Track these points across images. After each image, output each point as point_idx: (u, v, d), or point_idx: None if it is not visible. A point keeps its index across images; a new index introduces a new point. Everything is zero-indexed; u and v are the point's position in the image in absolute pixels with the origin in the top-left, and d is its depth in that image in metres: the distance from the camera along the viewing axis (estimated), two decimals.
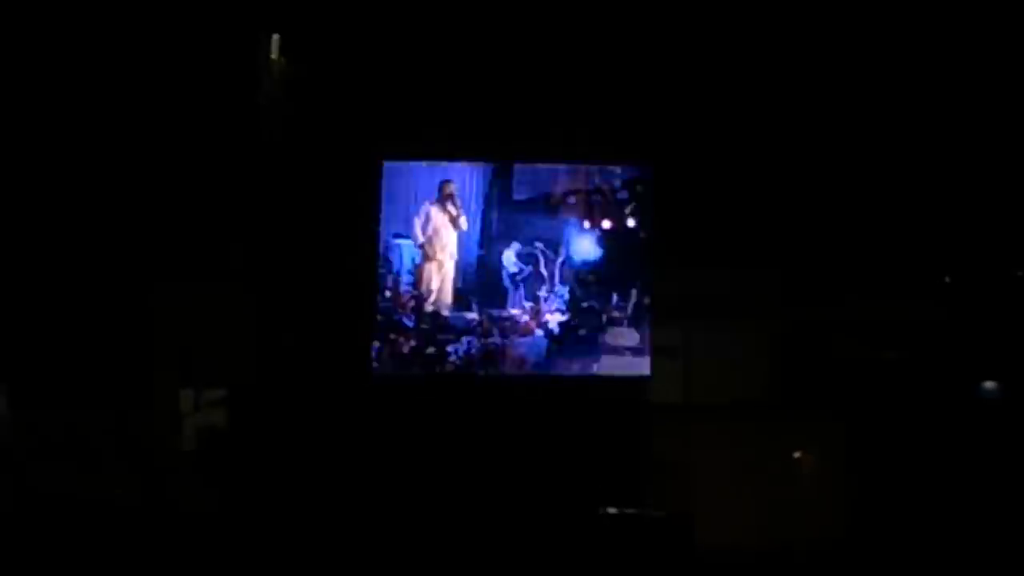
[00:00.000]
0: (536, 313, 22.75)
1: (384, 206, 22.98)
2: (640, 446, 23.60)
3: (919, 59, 25.05)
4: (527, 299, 22.83)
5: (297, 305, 23.82)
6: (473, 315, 22.56)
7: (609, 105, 24.03)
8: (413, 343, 22.40)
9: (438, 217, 23.09)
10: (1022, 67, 25.03)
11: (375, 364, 22.37)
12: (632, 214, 23.02)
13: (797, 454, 25.19)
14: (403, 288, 22.68)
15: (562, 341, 22.78)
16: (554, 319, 22.81)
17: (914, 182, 25.72)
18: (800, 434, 25.20)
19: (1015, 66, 25.03)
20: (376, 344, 22.42)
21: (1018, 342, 26.01)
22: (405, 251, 23.02)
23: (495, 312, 22.66)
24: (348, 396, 23.25)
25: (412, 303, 22.53)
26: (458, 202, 22.95)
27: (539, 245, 23.12)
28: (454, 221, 23.00)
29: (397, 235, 22.99)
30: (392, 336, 22.42)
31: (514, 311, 22.68)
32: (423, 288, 22.81)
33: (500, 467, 22.98)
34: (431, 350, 22.37)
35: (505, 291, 23.01)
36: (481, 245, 23.24)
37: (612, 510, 23.24)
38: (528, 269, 23.04)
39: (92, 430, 24.10)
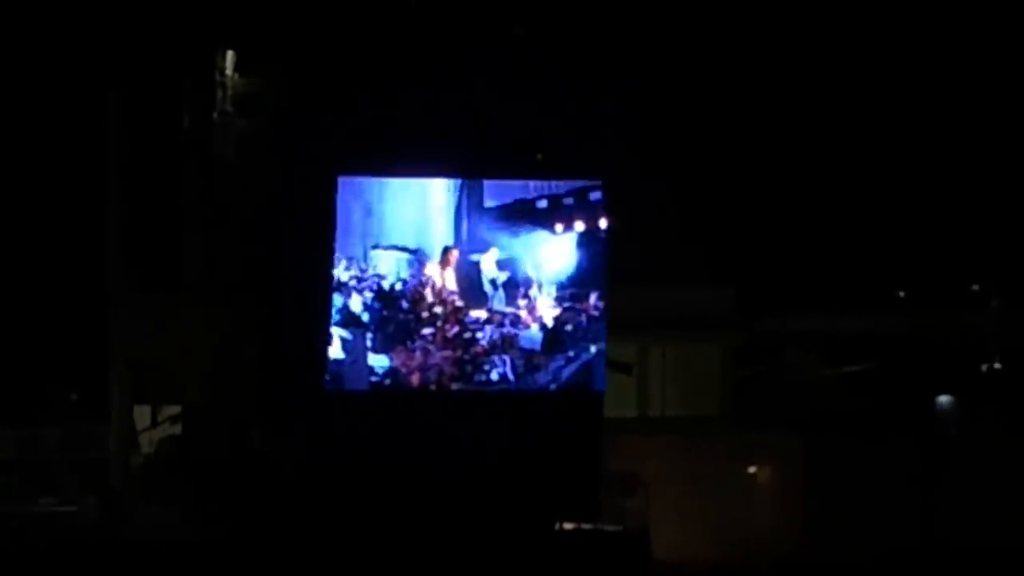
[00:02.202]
0: (532, 310, 23.39)
1: (385, 219, 23.42)
2: (595, 461, 23.58)
3: (869, 79, 25.31)
4: (510, 301, 23.33)
5: (253, 320, 23.86)
6: (481, 312, 23.42)
7: (565, 124, 24.16)
8: (456, 328, 23.04)
9: (434, 273, 23.60)
10: (971, 92, 25.32)
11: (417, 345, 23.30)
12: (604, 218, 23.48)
13: (752, 469, 25.25)
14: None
15: (555, 333, 23.42)
16: (548, 315, 23.37)
17: (868, 198, 25.91)
18: (755, 449, 25.27)
19: (966, 91, 25.33)
20: (428, 330, 23.26)
21: (973, 356, 26.17)
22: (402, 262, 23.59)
23: (498, 309, 23.50)
24: (302, 410, 23.26)
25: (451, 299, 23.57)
26: (456, 269, 23.49)
27: (518, 251, 23.49)
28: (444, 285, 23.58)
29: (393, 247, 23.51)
30: (439, 323, 23.31)
31: (509, 309, 23.36)
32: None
33: (455, 483, 22.93)
34: (467, 335, 23.36)
35: (486, 295, 23.40)
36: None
37: (568, 525, 23.28)
38: (508, 274, 23.46)
39: (48, 447, 24.15)
